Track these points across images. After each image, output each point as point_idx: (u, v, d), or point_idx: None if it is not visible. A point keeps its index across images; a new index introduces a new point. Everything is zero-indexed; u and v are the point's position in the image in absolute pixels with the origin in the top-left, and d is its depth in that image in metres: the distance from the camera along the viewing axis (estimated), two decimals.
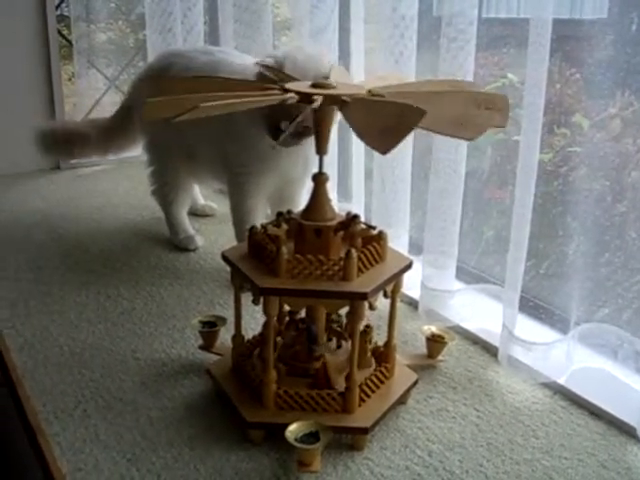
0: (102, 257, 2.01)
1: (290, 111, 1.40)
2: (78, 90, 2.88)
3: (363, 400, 1.27)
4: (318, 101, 1.13)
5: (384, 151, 1.00)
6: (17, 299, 1.75)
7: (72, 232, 2.18)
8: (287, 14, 2.94)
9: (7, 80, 2.63)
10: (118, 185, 2.64)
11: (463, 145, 1.58)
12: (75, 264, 1.96)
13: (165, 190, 2.07)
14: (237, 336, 1.36)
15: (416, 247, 1.81)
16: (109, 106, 3.00)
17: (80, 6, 2.79)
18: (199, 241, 2.08)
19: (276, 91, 1.20)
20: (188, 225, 2.11)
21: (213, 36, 2.87)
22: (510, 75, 1.81)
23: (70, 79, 3.12)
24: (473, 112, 1.12)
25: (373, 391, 1.30)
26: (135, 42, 3.08)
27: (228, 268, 1.32)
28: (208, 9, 2.85)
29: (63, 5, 2.87)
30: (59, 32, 2.76)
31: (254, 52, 2.26)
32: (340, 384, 1.29)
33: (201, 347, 1.48)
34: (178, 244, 2.07)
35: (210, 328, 1.46)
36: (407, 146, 1.73)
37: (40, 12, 2.62)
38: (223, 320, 1.47)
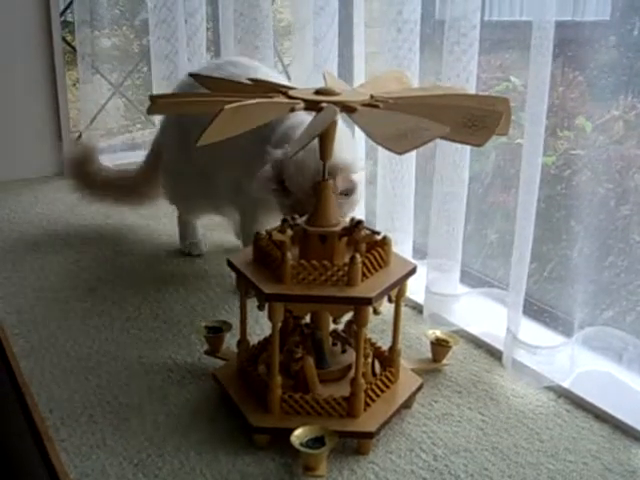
0: (107, 263, 2.02)
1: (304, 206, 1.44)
2: (82, 96, 2.89)
3: (368, 404, 1.28)
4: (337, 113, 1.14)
5: (401, 152, 1.01)
6: (23, 305, 1.76)
7: (77, 238, 2.19)
8: (291, 19, 2.95)
9: (12, 86, 2.64)
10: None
11: (466, 149, 1.59)
12: (80, 270, 1.97)
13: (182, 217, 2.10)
14: (242, 341, 1.37)
15: (420, 251, 1.81)
16: (113, 112, 3.03)
17: (84, 12, 2.79)
18: (203, 247, 2.08)
19: (282, 98, 1.21)
20: (197, 232, 2.11)
21: (216, 42, 2.88)
22: (513, 78, 1.81)
23: (74, 85, 3.14)
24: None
25: (378, 395, 1.31)
26: (139, 48, 3.09)
27: (233, 274, 1.32)
28: (211, 15, 2.86)
29: (67, 11, 2.88)
30: (63, 38, 2.77)
31: (255, 58, 2.27)
32: (320, 389, 1.30)
33: (207, 352, 1.49)
34: (183, 249, 2.08)
35: (215, 333, 1.47)
36: (411, 152, 1.74)
37: (45, 18, 2.63)
38: (228, 325, 1.48)
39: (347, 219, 1.31)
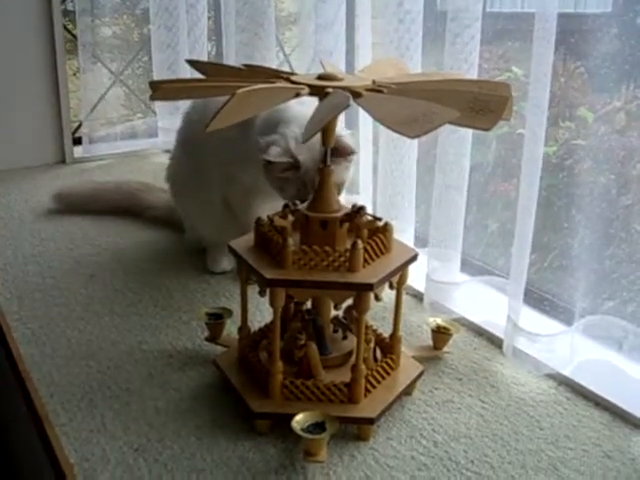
0: (108, 250, 2.02)
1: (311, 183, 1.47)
2: (83, 85, 2.88)
3: (369, 391, 1.28)
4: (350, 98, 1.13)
5: (414, 137, 1.01)
6: (24, 292, 1.76)
7: (78, 225, 2.19)
8: (292, 9, 2.95)
9: (13, 75, 2.64)
10: (123, 178, 2.63)
11: (468, 139, 1.59)
12: (81, 256, 1.97)
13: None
14: (243, 327, 1.37)
15: (421, 240, 1.81)
16: (114, 101, 3.02)
17: (85, 0, 2.78)
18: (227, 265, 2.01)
19: (286, 83, 1.21)
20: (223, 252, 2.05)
21: (217, 32, 2.88)
22: (515, 68, 1.81)
23: (75, 74, 3.13)
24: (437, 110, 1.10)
25: (379, 382, 1.31)
26: (140, 37, 3.09)
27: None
28: (212, 4, 2.86)
29: (67, 0, 2.88)
30: (64, 27, 2.77)
31: (257, 47, 2.27)
32: (324, 374, 1.30)
33: (207, 339, 1.48)
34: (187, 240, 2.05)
35: (216, 320, 1.47)
36: (412, 140, 1.73)
37: (45, 7, 2.62)
38: (229, 312, 1.48)
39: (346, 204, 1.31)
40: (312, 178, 1.47)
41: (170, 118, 2.81)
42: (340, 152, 1.42)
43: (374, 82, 1.22)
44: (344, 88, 1.17)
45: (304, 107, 1.55)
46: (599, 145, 1.50)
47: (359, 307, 1.20)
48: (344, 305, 1.31)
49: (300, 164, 1.49)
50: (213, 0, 2.85)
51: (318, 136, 1.43)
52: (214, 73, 1.33)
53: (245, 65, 1.37)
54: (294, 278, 1.19)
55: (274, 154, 1.49)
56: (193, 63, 1.36)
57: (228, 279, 1.83)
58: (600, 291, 1.50)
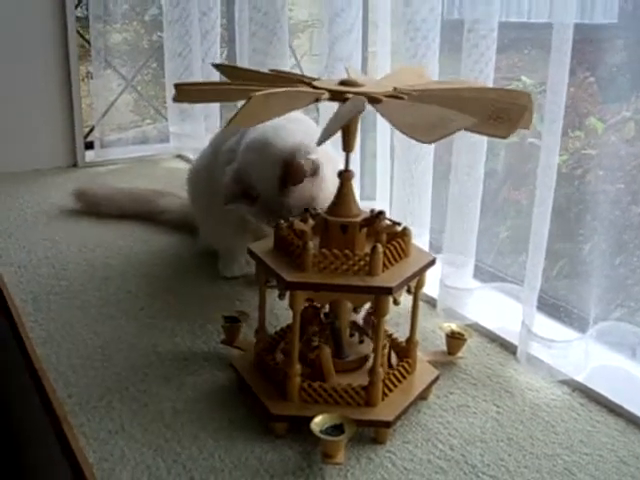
0: (122, 253, 2.03)
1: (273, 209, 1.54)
2: (94, 90, 2.90)
3: (386, 394, 1.29)
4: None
5: (427, 142, 1.03)
6: (39, 294, 1.77)
7: (91, 229, 2.20)
8: (301, 16, 2.98)
9: (26, 79, 2.65)
10: (136, 183, 2.62)
11: (483, 147, 1.60)
12: (95, 259, 1.98)
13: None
14: (260, 330, 1.38)
15: (434, 246, 1.82)
16: (123, 107, 3.04)
17: (98, 6, 2.81)
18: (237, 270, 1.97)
19: (306, 87, 1.23)
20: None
21: (230, 39, 2.89)
22: (524, 78, 1.83)
23: (83, 80, 3.15)
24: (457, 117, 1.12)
25: (395, 386, 1.32)
26: (149, 43, 3.10)
27: None
28: (226, 12, 2.87)
29: (79, 6, 2.89)
30: (78, 32, 2.78)
31: (270, 55, 2.28)
32: (335, 377, 1.30)
33: (223, 342, 1.49)
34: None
35: (233, 323, 1.48)
36: (428, 146, 1.75)
37: (59, 13, 2.64)
38: (246, 315, 1.49)
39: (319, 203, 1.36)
40: (278, 203, 1.53)
41: (181, 124, 2.83)
42: (292, 179, 1.49)
43: (395, 89, 1.23)
44: (364, 94, 1.19)
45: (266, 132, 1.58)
46: (609, 155, 1.51)
47: (378, 311, 1.21)
48: (363, 310, 1.32)
49: (255, 189, 1.54)
50: (227, 8, 2.86)
51: (274, 161, 1.54)
52: (238, 76, 1.35)
53: (272, 70, 1.39)
54: (314, 281, 1.20)
55: (226, 182, 1.55)
56: (219, 67, 1.38)
57: (241, 284, 1.83)
58: (613, 298, 1.50)
